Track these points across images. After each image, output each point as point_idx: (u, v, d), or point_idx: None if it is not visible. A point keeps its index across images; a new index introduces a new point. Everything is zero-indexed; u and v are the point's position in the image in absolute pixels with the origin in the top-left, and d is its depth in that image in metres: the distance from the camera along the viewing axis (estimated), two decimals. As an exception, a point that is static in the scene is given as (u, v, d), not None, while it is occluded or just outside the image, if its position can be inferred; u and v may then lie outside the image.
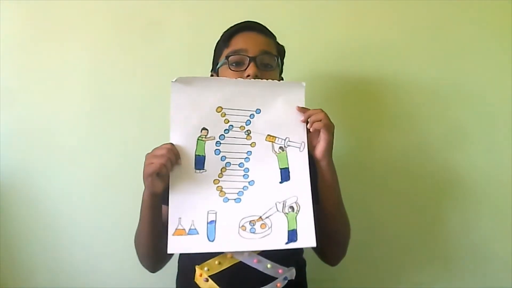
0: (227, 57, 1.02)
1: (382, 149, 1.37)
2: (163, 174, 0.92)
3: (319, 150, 0.96)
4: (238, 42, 1.03)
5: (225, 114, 0.96)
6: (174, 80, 0.94)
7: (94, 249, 1.32)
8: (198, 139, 0.94)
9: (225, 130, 0.96)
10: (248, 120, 0.97)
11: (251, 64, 1.00)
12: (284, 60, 1.12)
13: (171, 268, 1.08)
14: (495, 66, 1.37)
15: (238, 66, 1.01)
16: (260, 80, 0.98)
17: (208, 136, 0.95)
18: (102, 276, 1.32)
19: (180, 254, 1.07)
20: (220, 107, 0.96)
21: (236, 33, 1.05)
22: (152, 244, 0.99)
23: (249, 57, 1.00)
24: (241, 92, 0.96)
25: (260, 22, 1.08)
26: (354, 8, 1.37)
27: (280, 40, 1.10)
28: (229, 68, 1.02)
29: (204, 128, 0.95)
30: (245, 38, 1.03)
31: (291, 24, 1.33)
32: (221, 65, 1.04)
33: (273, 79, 1.02)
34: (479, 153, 1.37)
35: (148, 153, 0.93)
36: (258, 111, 0.97)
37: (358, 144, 1.37)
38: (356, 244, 1.21)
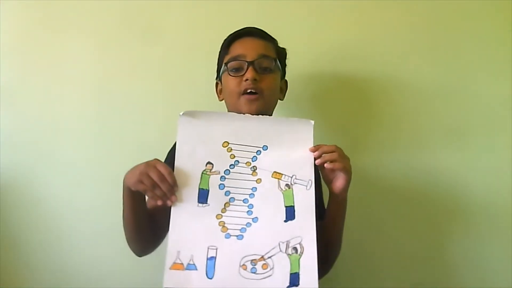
0: (226, 64, 1.06)
1: (381, 150, 1.34)
2: None
3: (338, 187, 0.95)
4: (237, 48, 1.07)
5: (231, 149, 0.95)
6: (181, 114, 0.94)
7: (95, 249, 1.30)
8: (202, 173, 0.93)
9: (230, 165, 0.94)
10: (254, 156, 0.95)
11: (250, 68, 1.02)
12: (286, 62, 1.14)
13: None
14: (495, 66, 1.35)
15: (237, 72, 1.04)
16: (268, 117, 0.99)
17: (213, 170, 0.94)
18: (102, 276, 1.29)
19: None
20: (226, 142, 0.95)
21: (234, 39, 1.08)
22: (136, 228, 0.99)
23: (247, 61, 1.03)
24: (248, 128, 0.96)
25: (259, 26, 1.10)
26: (354, 8, 1.37)
27: (280, 41, 1.12)
28: (229, 74, 1.05)
29: (209, 162, 0.94)
30: (243, 44, 1.07)
31: (290, 25, 1.34)
32: (222, 72, 1.08)
33: (273, 82, 1.05)
34: (479, 153, 1.34)
35: (145, 163, 0.91)
36: (265, 147, 0.96)
37: (356, 144, 1.34)
38: (356, 244, 1.26)
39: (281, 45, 1.13)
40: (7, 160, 1.32)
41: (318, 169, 0.97)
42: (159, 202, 0.90)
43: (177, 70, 1.35)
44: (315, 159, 0.94)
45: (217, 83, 1.15)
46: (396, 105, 1.36)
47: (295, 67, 1.19)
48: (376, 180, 1.33)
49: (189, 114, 0.95)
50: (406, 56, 1.36)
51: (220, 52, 1.12)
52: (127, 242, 1.02)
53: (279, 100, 1.12)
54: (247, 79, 1.02)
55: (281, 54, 1.12)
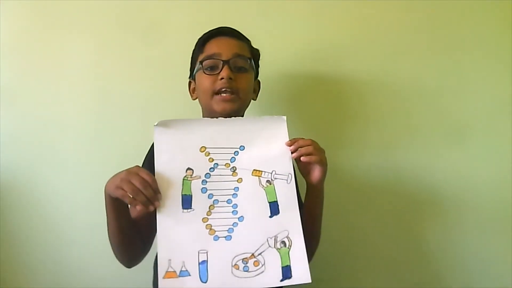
0: (201, 62, 1.06)
1: (376, 150, 1.36)
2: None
3: (315, 178, 0.98)
4: (212, 47, 1.07)
5: (209, 153, 0.96)
6: (156, 124, 0.95)
7: (94, 249, 1.29)
8: (183, 179, 0.94)
9: (210, 168, 0.96)
10: (232, 157, 0.97)
11: (225, 67, 1.03)
12: (260, 63, 1.15)
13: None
14: (495, 66, 1.37)
15: (212, 70, 1.05)
16: (240, 118, 1.01)
17: (194, 175, 0.94)
18: (102, 276, 1.29)
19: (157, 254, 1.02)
20: (203, 146, 0.96)
21: (209, 38, 1.09)
22: (121, 238, 0.98)
23: (222, 60, 1.04)
24: (223, 130, 0.97)
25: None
26: (339, 8, 1.37)
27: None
28: (204, 72, 1.06)
29: (189, 168, 0.95)
30: (218, 43, 1.08)
31: (285, 25, 1.35)
32: (196, 71, 1.08)
33: (248, 81, 1.06)
34: (478, 153, 1.36)
35: (127, 170, 0.91)
36: (242, 147, 0.98)
37: (349, 145, 1.36)
38: (354, 244, 1.30)
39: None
40: (7, 160, 1.31)
41: (294, 163, 0.99)
42: (138, 207, 0.89)
43: (177, 71, 1.31)
44: (291, 153, 0.97)
45: (190, 82, 1.15)
46: (394, 105, 1.37)
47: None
48: (369, 180, 1.35)
49: (163, 124, 0.95)
50: (403, 56, 1.37)
51: (194, 50, 1.13)
52: (114, 254, 1.01)
53: (253, 101, 1.14)
54: (222, 78, 1.03)
55: (255, 54, 1.13)
